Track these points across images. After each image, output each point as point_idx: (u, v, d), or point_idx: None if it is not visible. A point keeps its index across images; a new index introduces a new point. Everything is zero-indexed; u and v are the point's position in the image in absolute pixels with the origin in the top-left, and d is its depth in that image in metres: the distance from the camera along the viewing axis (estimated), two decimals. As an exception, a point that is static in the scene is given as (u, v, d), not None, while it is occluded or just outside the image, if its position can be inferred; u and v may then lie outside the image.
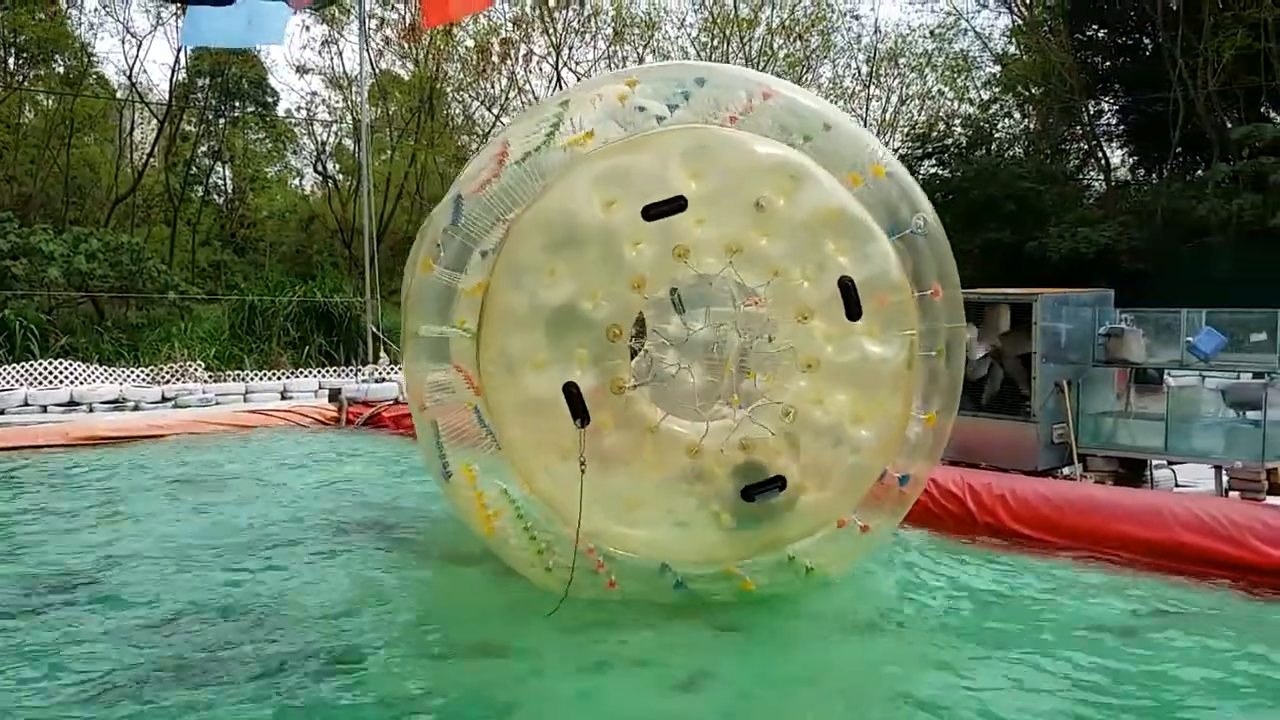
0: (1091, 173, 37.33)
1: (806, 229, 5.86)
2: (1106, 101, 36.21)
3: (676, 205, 5.65)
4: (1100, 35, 35.67)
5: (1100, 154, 36.31)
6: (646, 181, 5.71)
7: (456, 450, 6.12)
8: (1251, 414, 10.12)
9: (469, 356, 5.96)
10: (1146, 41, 34.38)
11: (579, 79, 36.73)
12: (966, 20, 37.97)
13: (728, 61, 33.30)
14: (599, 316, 5.75)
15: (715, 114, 6.00)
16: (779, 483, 5.87)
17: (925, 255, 6.07)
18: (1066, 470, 10.80)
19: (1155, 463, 10.85)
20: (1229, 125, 30.26)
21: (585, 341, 5.76)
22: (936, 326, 6.10)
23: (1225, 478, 10.06)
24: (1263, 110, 30.56)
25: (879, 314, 5.90)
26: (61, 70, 33.80)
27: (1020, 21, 37.48)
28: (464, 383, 6.05)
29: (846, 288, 5.79)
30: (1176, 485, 10.82)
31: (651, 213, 5.64)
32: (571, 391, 5.63)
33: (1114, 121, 36.40)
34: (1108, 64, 35.61)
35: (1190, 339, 10.37)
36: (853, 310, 5.81)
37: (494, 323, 5.77)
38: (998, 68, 38.26)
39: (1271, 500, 9.08)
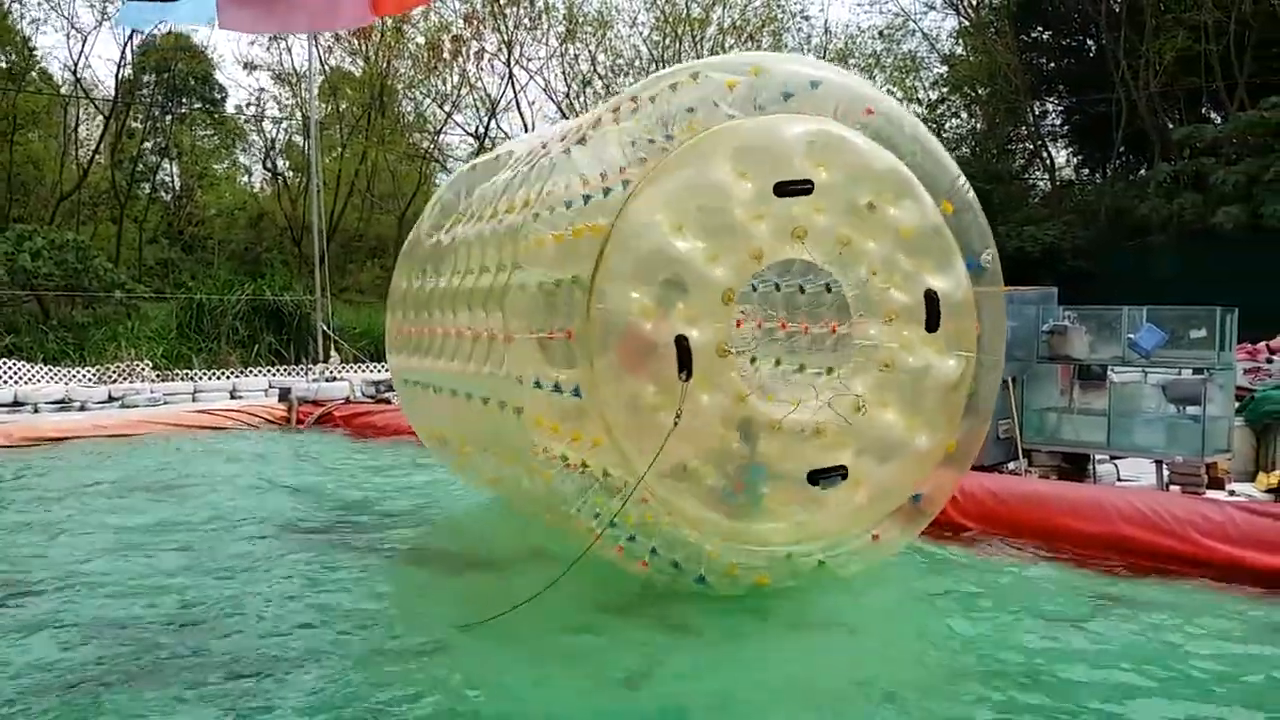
0: (1037, 172, 37.89)
1: (905, 239, 6.08)
2: (1051, 102, 36.77)
3: (805, 188, 5.80)
4: (1045, 37, 36.20)
5: (1045, 154, 36.85)
6: (776, 161, 5.84)
7: None
8: (1191, 409, 10.29)
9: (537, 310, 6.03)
10: (1090, 43, 34.95)
11: (531, 76, 36.71)
12: (914, 21, 38.45)
13: (680, 60, 33.35)
14: (718, 279, 5.79)
15: None
16: (841, 471, 5.96)
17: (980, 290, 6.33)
18: (1012, 465, 10.96)
19: (1098, 457, 11.02)
20: (1170, 126, 30.83)
21: (699, 301, 5.77)
22: (979, 359, 6.36)
23: (1166, 472, 10.24)
24: (1203, 111, 31.14)
25: (943, 334, 6.14)
26: (3, 65, 33.15)
27: (967, 23, 37.94)
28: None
29: (932, 300, 6.05)
30: (1119, 480, 10.99)
31: (784, 189, 5.78)
32: (682, 344, 5.66)
33: (1059, 122, 37.00)
34: (1052, 65, 36.14)
35: (1131, 336, 10.52)
36: (933, 323, 6.06)
37: (611, 271, 5.76)
38: (945, 68, 38.72)
39: (1211, 494, 9.27)
